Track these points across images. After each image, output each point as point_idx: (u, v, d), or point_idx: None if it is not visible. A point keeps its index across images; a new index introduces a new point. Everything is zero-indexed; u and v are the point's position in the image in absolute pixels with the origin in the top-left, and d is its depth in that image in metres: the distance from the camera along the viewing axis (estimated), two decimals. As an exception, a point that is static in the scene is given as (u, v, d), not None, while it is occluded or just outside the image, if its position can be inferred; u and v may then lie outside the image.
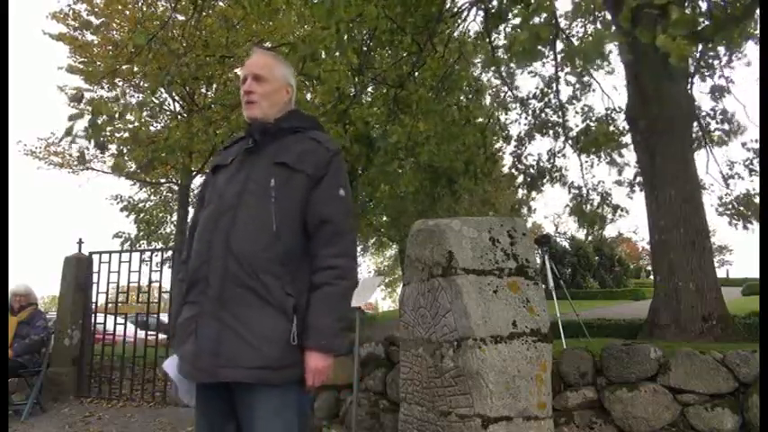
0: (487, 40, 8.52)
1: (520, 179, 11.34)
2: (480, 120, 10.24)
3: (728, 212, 9.46)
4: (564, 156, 10.93)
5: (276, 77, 1.87)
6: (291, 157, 1.75)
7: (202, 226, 1.77)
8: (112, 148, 10.87)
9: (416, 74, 7.88)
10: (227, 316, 1.63)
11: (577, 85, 10.51)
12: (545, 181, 11.03)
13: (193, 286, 1.73)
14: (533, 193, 11.81)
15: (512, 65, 9.31)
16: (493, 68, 9.69)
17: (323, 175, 1.75)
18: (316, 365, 1.66)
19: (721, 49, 8.39)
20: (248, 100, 1.83)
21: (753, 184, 9.68)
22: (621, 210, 11.39)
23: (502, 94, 11.46)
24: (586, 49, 3.99)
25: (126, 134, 10.86)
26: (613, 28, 5.52)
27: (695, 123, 8.26)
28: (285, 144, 1.79)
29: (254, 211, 1.70)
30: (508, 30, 8.54)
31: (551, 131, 10.60)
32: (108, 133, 10.66)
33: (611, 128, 10.41)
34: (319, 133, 1.87)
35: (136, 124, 10.33)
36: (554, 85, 9.96)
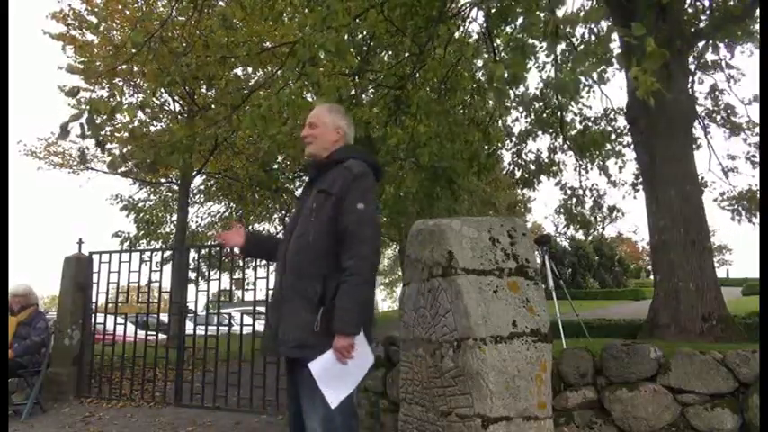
0: (491, 40, 8.49)
1: (518, 174, 11.26)
2: (483, 119, 10.20)
3: (731, 208, 9.44)
4: (564, 152, 10.89)
5: (325, 123, 2.42)
6: (328, 184, 2.26)
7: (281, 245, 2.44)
8: (114, 148, 10.85)
9: (417, 75, 7.85)
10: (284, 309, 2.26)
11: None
12: (541, 178, 11.00)
13: None
14: (528, 191, 11.71)
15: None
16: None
17: (346, 194, 2.19)
18: (335, 344, 2.10)
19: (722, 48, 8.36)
20: (305, 141, 2.44)
21: (755, 180, 9.68)
22: (618, 211, 11.35)
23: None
24: (581, 60, 3.87)
25: (126, 134, 10.86)
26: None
27: (696, 122, 8.22)
28: (328, 175, 2.31)
29: (301, 229, 2.28)
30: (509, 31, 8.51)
31: (550, 130, 10.57)
32: (108, 133, 10.69)
33: (609, 128, 10.39)
34: (353, 161, 2.30)
35: (136, 123, 10.33)
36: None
